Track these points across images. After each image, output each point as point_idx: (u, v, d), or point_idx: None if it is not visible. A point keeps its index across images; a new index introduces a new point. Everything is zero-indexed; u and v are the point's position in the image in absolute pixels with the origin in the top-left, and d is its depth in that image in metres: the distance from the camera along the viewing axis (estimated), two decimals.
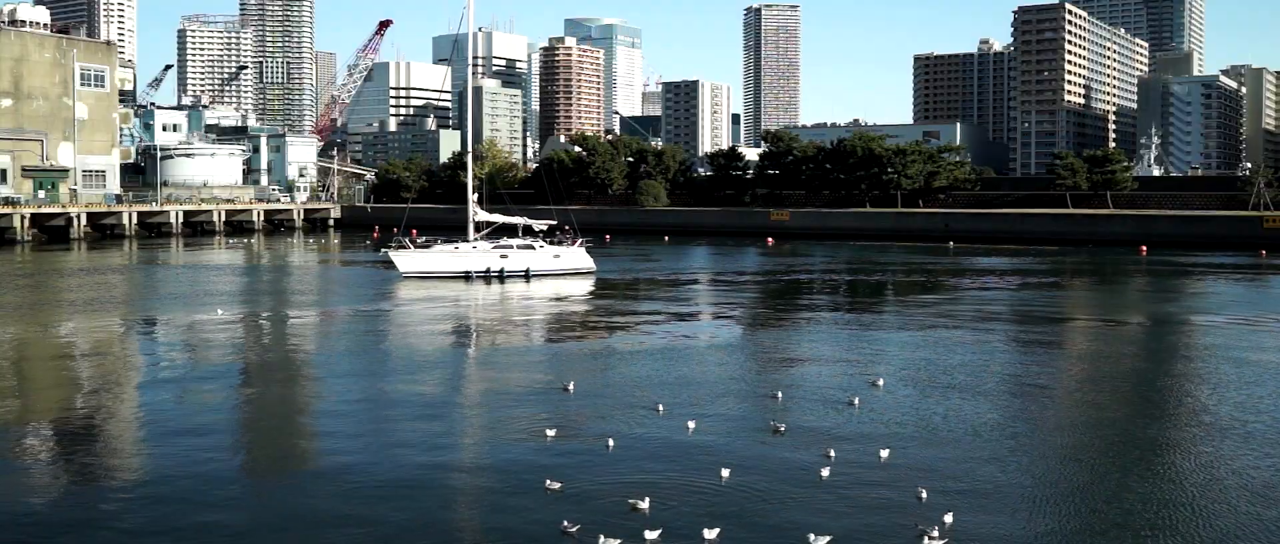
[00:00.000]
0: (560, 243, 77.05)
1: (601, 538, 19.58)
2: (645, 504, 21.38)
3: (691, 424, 28.33)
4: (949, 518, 20.57)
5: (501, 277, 71.39)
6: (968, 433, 28.19)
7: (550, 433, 27.64)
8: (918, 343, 43.76)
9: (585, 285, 69.02)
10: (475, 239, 76.25)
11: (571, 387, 33.33)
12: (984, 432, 28.41)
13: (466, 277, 71.01)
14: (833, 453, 25.33)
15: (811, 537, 19.59)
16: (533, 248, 74.48)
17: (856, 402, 31.17)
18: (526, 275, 72.01)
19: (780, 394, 32.29)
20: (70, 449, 27.36)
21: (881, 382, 34.23)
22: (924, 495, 22.03)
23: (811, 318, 54.46)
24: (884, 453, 25.46)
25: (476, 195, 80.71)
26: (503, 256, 72.76)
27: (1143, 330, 50.44)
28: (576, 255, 75.57)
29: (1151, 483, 24.06)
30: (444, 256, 73.38)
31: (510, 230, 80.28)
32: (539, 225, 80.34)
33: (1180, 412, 31.37)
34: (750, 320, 54.13)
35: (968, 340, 44.56)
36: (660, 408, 30.63)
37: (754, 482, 23.50)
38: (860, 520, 21.17)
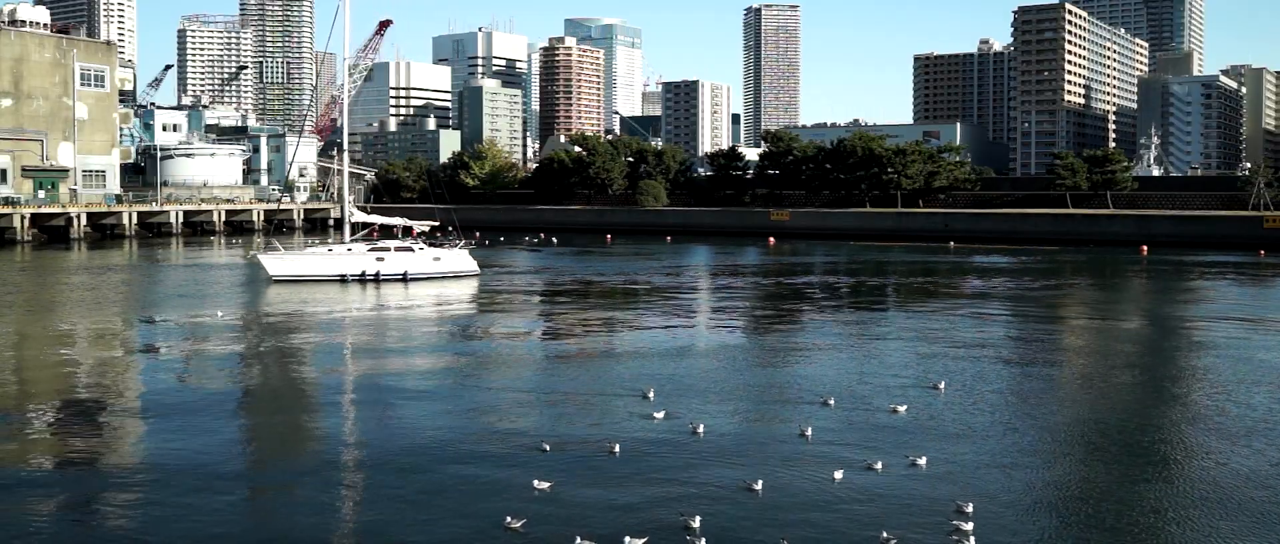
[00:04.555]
0: (441, 245, 75.25)
1: (578, 538, 19.63)
2: (697, 523, 20.52)
3: (700, 428, 28.09)
4: (970, 526, 20.44)
5: (377, 280, 68.87)
6: (1002, 433, 28.24)
7: (546, 447, 27.41)
8: (939, 344, 43.75)
9: (468, 289, 66.66)
10: (350, 241, 73.84)
11: (651, 394, 32.27)
12: (1018, 428, 28.61)
13: (341, 280, 68.52)
14: (880, 464, 24.60)
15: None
16: (411, 250, 72.21)
17: (902, 408, 30.60)
18: (404, 278, 69.68)
19: (833, 400, 31.52)
20: None
21: (942, 385, 33.75)
22: (970, 508, 21.32)
23: (825, 319, 54.34)
24: (922, 460, 25.09)
25: (353, 196, 79.10)
26: (379, 259, 70.17)
27: (1161, 332, 50.45)
28: (458, 258, 72.97)
29: (1182, 490, 24.09)
30: (316, 259, 70.75)
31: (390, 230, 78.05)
32: (420, 226, 78.65)
33: (1204, 418, 31.08)
34: (763, 321, 54.11)
35: (988, 342, 44.59)
36: (657, 411, 30.55)
37: (783, 491, 23.13)
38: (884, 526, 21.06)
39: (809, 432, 27.53)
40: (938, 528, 20.61)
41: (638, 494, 22.85)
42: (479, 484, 23.74)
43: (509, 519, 20.78)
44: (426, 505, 22.36)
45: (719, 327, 50.82)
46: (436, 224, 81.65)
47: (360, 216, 78.91)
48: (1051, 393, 34.42)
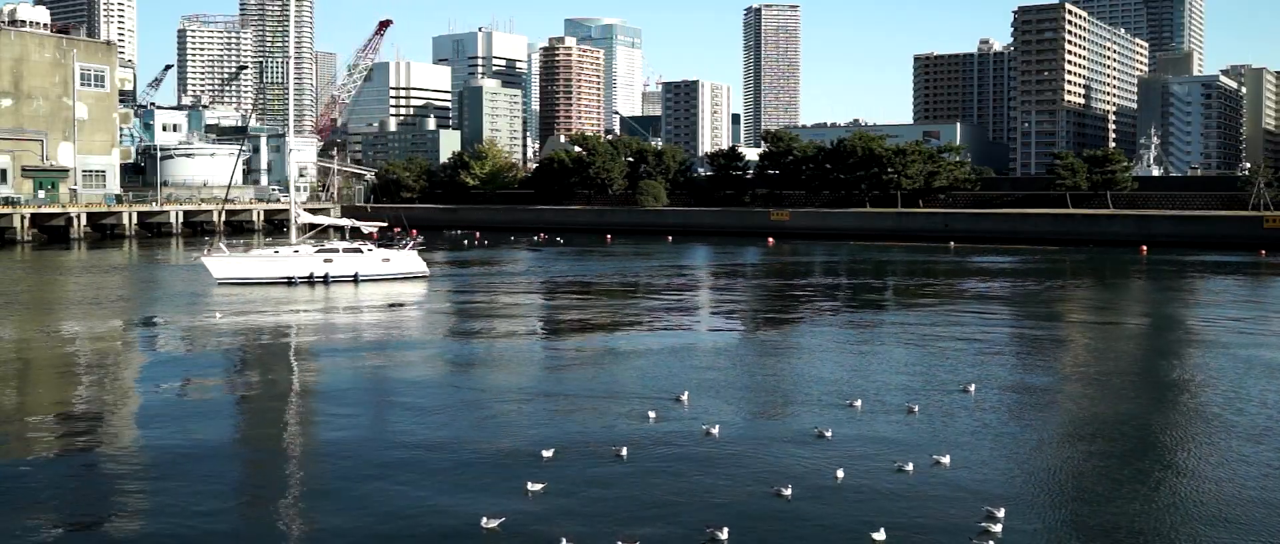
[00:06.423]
0: (390, 245, 75.03)
1: (563, 540, 19.56)
2: (725, 534, 20.03)
3: (713, 429, 27.81)
4: (999, 528, 20.41)
5: (327, 281, 68.03)
6: (1024, 435, 28.30)
7: (548, 452, 27.40)
8: (950, 346, 43.71)
9: (422, 290, 66.12)
10: (297, 242, 72.89)
11: (685, 397, 31.77)
12: (1041, 430, 28.66)
13: (289, 282, 67.43)
14: (913, 466, 24.44)
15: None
16: (360, 251, 71.56)
17: (928, 410, 30.43)
18: (355, 280, 68.80)
19: (860, 403, 31.17)
20: None
21: (973, 387, 33.46)
22: (1001, 512, 21.04)
23: (833, 321, 54.24)
24: (945, 459, 25.04)
25: (302, 194, 78.59)
26: (327, 261, 69.34)
27: (1168, 333, 50.45)
28: (407, 259, 72.36)
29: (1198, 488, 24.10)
30: (263, 262, 69.59)
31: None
32: (368, 228, 78.38)
33: (1222, 418, 30.94)
34: (771, 322, 54.06)
35: (997, 344, 44.58)
36: (668, 413, 30.48)
37: (817, 495, 22.83)
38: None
39: (829, 432, 27.34)
40: (968, 534, 20.45)
41: (647, 499, 22.65)
42: (470, 484, 23.64)
43: (485, 519, 20.54)
44: (411, 504, 22.28)
45: (728, 328, 50.78)
46: (385, 224, 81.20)
47: (306, 218, 78.65)
48: (1068, 395, 34.27)
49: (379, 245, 74.59)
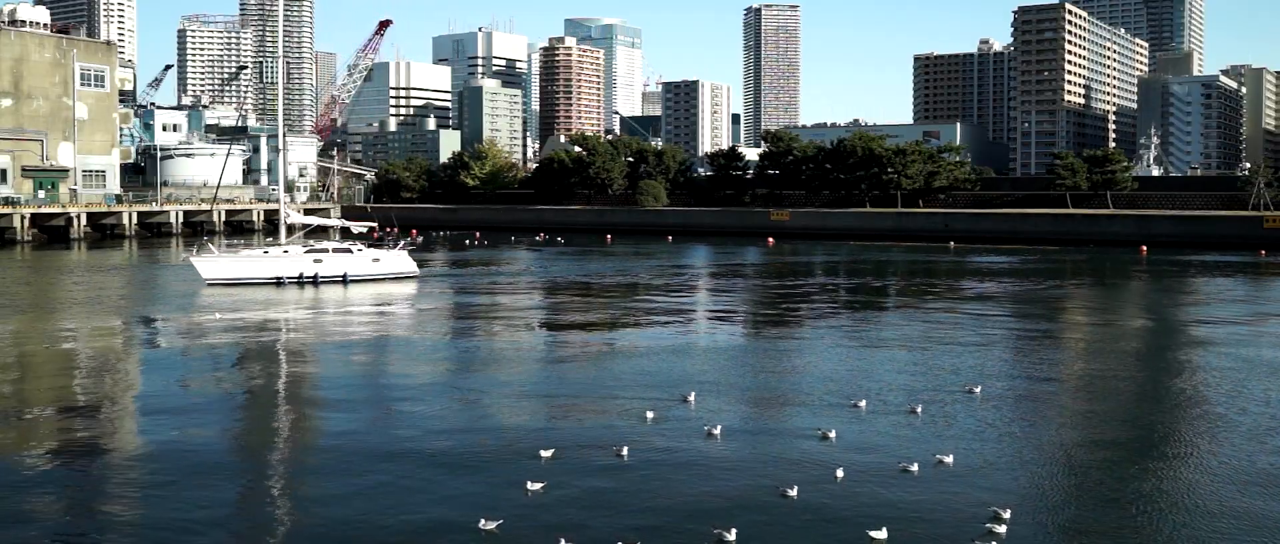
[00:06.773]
0: (380, 245, 74.63)
1: (562, 541, 19.53)
2: (732, 536, 19.84)
3: (716, 429, 27.84)
4: (1003, 529, 20.37)
5: (316, 282, 67.60)
6: (1030, 436, 28.24)
7: (550, 451, 27.37)
8: (954, 346, 43.67)
9: (412, 289, 65.95)
10: (287, 243, 72.62)
11: (691, 398, 31.58)
12: (1046, 431, 28.65)
13: (278, 282, 67.05)
14: (916, 467, 24.38)
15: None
16: (350, 251, 71.22)
17: (932, 411, 30.32)
18: (344, 280, 68.39)
19: (864, 403, 31.01)
20: None
21: (978, 389, 33.24)
22: (1007, 513, 20.96)
23: (835, 322, 54.22)
24: (949, 459, 25.00)
25: (289, 197, 78.56)
26: (316, 261, 68.89)
27: (1170, 333, 50.41)
28: (398, 259, 72.00)
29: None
30: (252, 262, 69.20)
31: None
32: (357, 228, 78.32)
33: (1225, 417, 30.80)
34: (773, 323, 54.01)
35: (999, 344, 44.54)
36: (669, 413, 30.43)
37: (824, 491, 22.86)
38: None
39: (833, 433, 27.28)
40: (973, 535, 20.38)
41: (648, 499, 22.59)
42: (470, 484, 23.55)
43: (483, 520, 20.44)
44: (409, 503, 22.22)
45: (729, 328, 50.70)
46: (374, 224, 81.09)
47: (297, 218, 78.63)
48: (1071, 395, 34.24)
49: (370, 246, 74.43)
